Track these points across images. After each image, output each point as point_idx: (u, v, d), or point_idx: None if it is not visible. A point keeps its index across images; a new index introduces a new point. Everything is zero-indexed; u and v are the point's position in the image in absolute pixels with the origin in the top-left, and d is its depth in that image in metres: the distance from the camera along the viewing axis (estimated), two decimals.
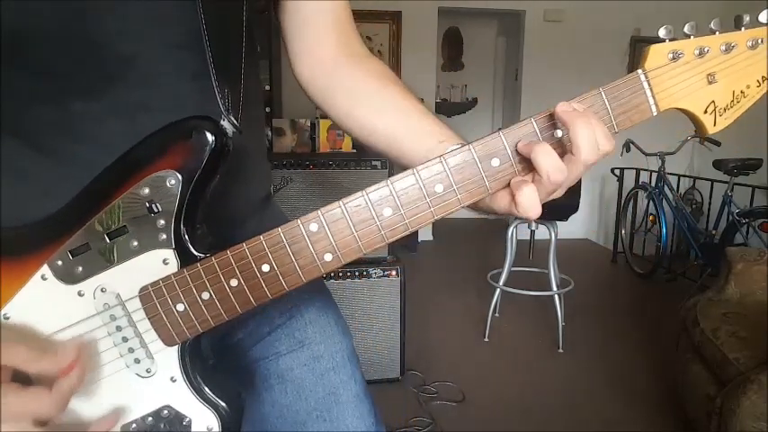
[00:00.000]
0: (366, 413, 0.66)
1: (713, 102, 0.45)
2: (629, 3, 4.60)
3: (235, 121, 0.50)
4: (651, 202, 3.78)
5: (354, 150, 2.34)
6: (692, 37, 0.44)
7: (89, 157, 0.48)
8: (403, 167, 0.60)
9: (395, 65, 4.53)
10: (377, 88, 0.63)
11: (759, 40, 0.44)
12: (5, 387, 0.41)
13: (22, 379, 0.43)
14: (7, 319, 0.46)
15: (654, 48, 0.44)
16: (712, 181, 3.54)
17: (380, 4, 4.41)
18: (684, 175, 4.05)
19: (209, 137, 0.45)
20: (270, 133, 2.36)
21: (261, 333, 0.64)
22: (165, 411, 0.49)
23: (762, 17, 0.43)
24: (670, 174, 3.71)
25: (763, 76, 0.44)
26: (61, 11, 0.44)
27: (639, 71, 0.45)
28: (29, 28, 0.44)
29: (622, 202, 4.22)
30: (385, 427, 0.68)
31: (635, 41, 4.77)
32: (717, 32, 0.44)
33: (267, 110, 3.43)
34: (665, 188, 3.68)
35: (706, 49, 0.44)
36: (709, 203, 3.78)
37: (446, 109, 5.78)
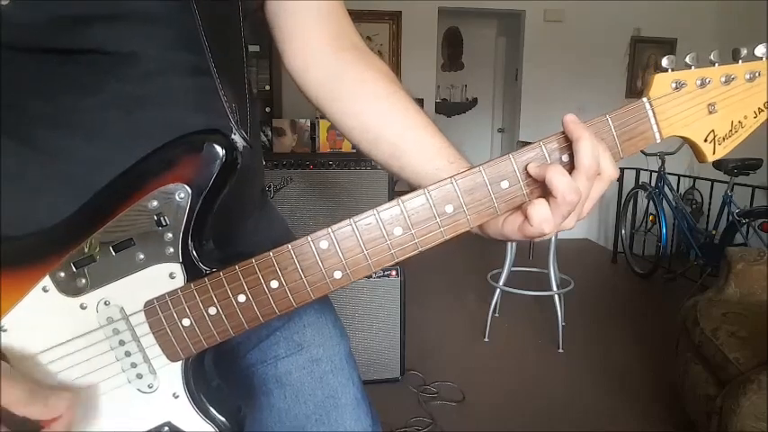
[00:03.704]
0: (364, 415, 0.65)
1: (713, 131, 0.46)
2: (629, 3, 4.59)
3: (246, 135, 0.49)
4: (651, 201, 3.78)
5: (354, 150, 2.33)
6: (693, 68, 0.45)
7: (84, 153, 0.47)
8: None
9: (395, 65, 4.52)
10: (384, 90, 0.61)
11: (756, 73, 0.45)
12: None
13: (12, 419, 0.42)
14: (5, 331, 0.45)
15: (658, 77, 0.45)
16: (712, 181, 3.54)
17: (380, 4, 4.40)
18: (684, 175, 4.05)
19: (220, 151, 0.44)
20: (270, 133, 2.36)
21: (259, 336, 0.63)
22: (166, 428, 0.48)
23: (758, 51, 0.44)
24: (670, 174, 3.70)
25: (759, 108, 0.46)
26: (55, 13, 0.43)
27: (644, 99, 0.46)
28: (24, 30, 0.44)
29: (622, 202, 4.22)
30: (384, 427, 0.68)
31: (635, 41, 4.76)
32: (716, 64, 0.45)
33: (267, 110, 3.41)
34: (665, 188, 3.68)
35: (707, 80, 0.45)
36: (710, 203, 3.78)
37: (446, 109, 5.76)
